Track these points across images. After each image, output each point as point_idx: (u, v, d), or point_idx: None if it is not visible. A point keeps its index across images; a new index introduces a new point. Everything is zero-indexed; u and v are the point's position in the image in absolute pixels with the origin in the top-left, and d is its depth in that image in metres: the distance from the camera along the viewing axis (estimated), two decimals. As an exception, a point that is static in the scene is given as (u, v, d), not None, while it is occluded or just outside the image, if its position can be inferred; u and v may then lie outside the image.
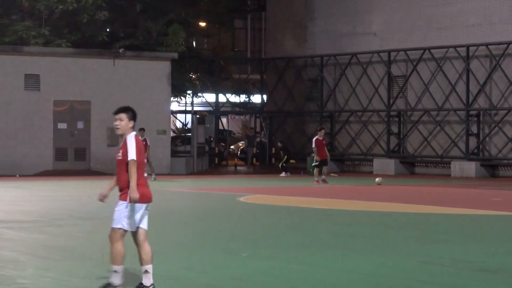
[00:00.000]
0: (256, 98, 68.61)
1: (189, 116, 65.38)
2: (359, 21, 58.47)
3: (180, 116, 68.39)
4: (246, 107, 69.43)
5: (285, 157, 51.92)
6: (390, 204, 31.58)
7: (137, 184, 12.25)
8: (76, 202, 31.41)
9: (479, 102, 52.35)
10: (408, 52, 55.11)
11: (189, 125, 65.79)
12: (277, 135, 62.45)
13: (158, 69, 54.45)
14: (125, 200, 12.36)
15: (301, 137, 59.56)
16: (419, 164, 56.34)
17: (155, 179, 43.18)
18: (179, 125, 71.26)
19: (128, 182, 12.32)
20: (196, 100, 67.05)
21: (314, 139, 42.67)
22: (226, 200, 32.83)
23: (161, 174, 50.98)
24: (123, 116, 13.03)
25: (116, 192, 12.94)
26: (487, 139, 52.57)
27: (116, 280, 12.21)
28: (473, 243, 20.23)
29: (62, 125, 52.10)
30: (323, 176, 42.00)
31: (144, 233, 12.56)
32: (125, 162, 12.50)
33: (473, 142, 52.55)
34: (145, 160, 43.36)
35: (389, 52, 56.08)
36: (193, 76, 63.25)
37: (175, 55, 55.08)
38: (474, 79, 52.04)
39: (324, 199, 33.04)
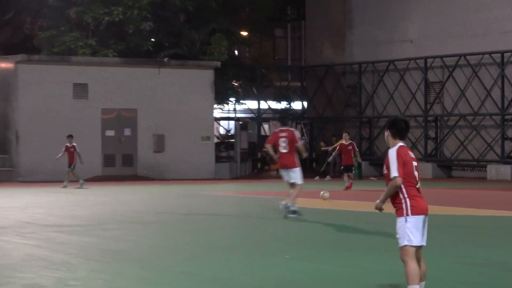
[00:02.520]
0: (297, 105, 68.53)
1: (232, 122, 65.53)
2: (395, 29, 58.42)
3: (223, 123, 68.54)
4: (286, 113, 69.42)
5: (326, 162, 51.85)
6: (428, 206, 31.48)
7: (409, 196, 11.69)
8: (124, 206, 31.54)
9: (514, 107, 52.18)
10: (444, 58, 54.94)
11: (232, 131, 65.86)
12: (317, 140, 62.40)
13: (202, 77, 54.57)
14: (401, 215, 11.70)
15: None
16: (455, 167, 56.17)
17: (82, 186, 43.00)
18: (222, 131, 71.36)
19: (398, 196, 11.76)
20: (238, 107, 67.08)
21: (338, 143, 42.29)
22: (268, 203, 32.81)
23: (206, 179, 51.16)
24: (386, 132, 12.23)
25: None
26: (523, 143, 52.39)
27: None
28: (509, 244, 20.18)
29: (110, 132, 52.33)
30: (346, 184, 40.82)
31: (419, 249, 11.98)
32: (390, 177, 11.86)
33: (508, 146, 52.24)
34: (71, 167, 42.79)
35: (425, 58, 55.91)
36: (236, 84, 63.31)
37: (218, 63, 55.20)
38: (509, 85, 51.80)
39: (360, 202, 33.02)
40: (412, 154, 11.95)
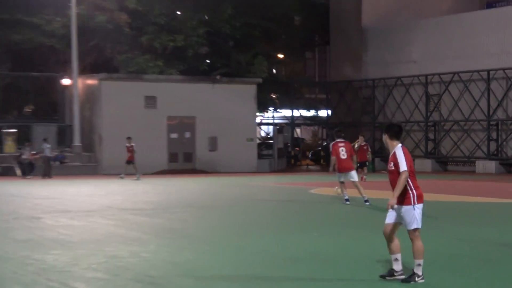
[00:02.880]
0: (322, 113, 68.50)
1: (270, 127, 65.57)
2: (402, 52, 58.28)
3: (264, 127, 68.52)
4: (314, 119, 69.32)
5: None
6: (428, 194, 31.35)
7: (415, 187, 11.58)
8: (185, 194, 31.60)
9: (498, 114, 51.83)
10: (441, 75, 54.68)
11: (270, 134, 65.86)
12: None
13: (247, 91, 54.66)
14: (410, 204, 11.46)
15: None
16: (450, 163, 55.89)
17: (139, 179, 42.35)
18: (263, 134, 71.36)
19: (407, 188, 11.53)
20: (276, 114, 67.09)
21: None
22: (300, 192, 32.81)
23: (250, 172, 51.19)
24: (384, 136, 12.16)
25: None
26: (504, 143, 52.00)
27: (419, 271, 11.49)
28: (494, 224, 20.04)
29: (174, 135, 52.51)
30: (363, 176, 40.65)
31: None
32: (397, 172, 11.66)
33: (493, 145, 52.04)
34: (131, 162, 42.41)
35: (426, 76, 55.75)
36: (273, 96, 63.31)
37: (260, 80, 55.27)
38: (494, 97, 51.57)
39: (375, 191, 32.90)
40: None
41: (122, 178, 42.56)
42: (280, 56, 65.47)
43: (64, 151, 50.67)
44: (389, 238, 11.67)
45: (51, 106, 57.20)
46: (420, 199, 11.58)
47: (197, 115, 52.81)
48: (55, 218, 20.98)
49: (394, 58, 58.66)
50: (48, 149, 45.35)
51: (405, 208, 11.47)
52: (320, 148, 66.06)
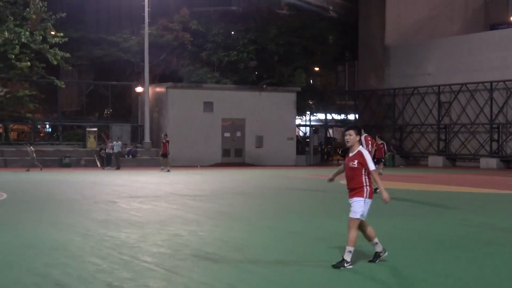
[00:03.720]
0: (351, 116, 68.27)
1: (307, 128, 65.45)
2: (418, 66, 57.94)
3: (302, 128, 68.36)
4: (344, 122, 69.10)
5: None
6: (440, 186, 31.18)
7: (370, 184, 10.87)
8: (235, 183, 31.70)
9: (499, 119, 51.32)
10: (451, 86, 54.36)
11: (307, 134, 65.76)
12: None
13: (288, 98, 54.64)
14: (361, 196, 10.78)
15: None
16: (458, 159, 55.44)
17: (169, 171, 41.91)
18: (301, 134, 71.21)
19: (361, 183, 10.79)
20: (312, 117, 66.97)
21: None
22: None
23: (289, 166, 51.18)
24: (351, 132, 11.10)
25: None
26: (504, 143, 51.50)
27: (348, 257, 10.65)
28: (495, 212, 19.87)
29: (227, 134, 52.67)
30: (380, 170, 39.63)
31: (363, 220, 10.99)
32: (360, 169, 10.81)
33: (495, 145, 51.64)
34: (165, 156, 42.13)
35: (438, 86, 55.44)
36: (310, 102, 63.20)
37: (299, 89, 55.27)
38: (496, 104, 51.17)
39: (397, 182, 32.75)
40: None
41: (168, 171, 41.85)
42: (316, 69, 65.33)
43: (136, 147, 51.13)
44: (361, 229, 11.07)
45: (126, 109, 57.67)
46: (371, 195, 10.93)
47: (246, 117, 52.95)
48: (128, 202, 21.18)
49: (412, 71, 58.37)
50: (117, 146, 45.55)
51: (357, 199, 10.81)
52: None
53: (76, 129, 54.98)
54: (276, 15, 61.74)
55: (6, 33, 47.87)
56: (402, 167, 53.35)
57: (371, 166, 10.84)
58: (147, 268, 10.59)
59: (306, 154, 57.58)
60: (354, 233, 10.71)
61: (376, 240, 11.24)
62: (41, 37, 49.79)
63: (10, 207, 19.71)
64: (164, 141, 43.88)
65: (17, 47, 48.30)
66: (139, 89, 54.05)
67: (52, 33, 50.69)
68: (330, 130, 68.96)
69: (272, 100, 53.69)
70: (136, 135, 53.15)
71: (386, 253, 11.32)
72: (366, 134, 25.36)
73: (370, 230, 11.17)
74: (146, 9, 50.75)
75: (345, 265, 10.60)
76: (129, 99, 58.15)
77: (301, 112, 61.36)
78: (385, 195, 10.92)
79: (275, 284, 9.62)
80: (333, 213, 19.03)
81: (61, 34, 50.36)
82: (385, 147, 38.05)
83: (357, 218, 10.77)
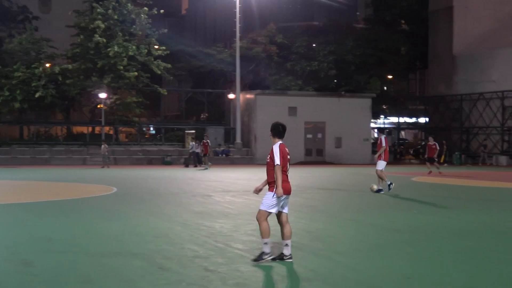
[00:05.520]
0: (422, 120, 67.29)
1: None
2: (484, 73, 56.81)
3: (377, 130, 67.71)
4: (415, 125, 68.10)
5: (446, 153, 50.88)
6: (505, 183, 30.22)
7: (283, 180, 9.89)
8: (316, 179, 31.53)
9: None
10: (515, 91, 53.24)
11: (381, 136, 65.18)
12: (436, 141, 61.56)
13: (364, 103, 54.15)
14: (272, 191, 9.92)
15: (449, 143, 57.98)
16: (521, 159, 54.33)
17: (207, 168, 41.27)
18: (376, 136, 70.58)
19: (274, 178, 9.97)
20: (386, 121, 66.24)
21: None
22: (403, 179, 32.21)
23: (365, 164, 50.62)
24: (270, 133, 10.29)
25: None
26: None
27: (266, 249, 9.92)
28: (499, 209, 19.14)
29: (309, 136, 52.59)
30: (435, 169, 37.41)
31: (286, 216, 10.10)
32: (272, 165, 10.01)
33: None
34: (206, 155, 41.64)
35: (502, 92, 54.36)
36: (384, 107, 62.53)
37: (374, 95, 54.78)
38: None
39: (465, 179, 31.99)
40: (287, 150, 10.20)
41: (207, 168, 41.32)
42: (390, 77, 64.61)
43: (229, 147, 51.48)
44: (280, 225, 10.16)
45: (220, 113, 58.15)
46: (284, 191, 9.91)
47: (326, 120, 52.72)
48: (222, 196, 21.24)
49: (478, 78, 57.17)
50: (194, 147, 45.14)
51: (268, 192, 9.98)
52: (419, 147, 64.93)
53: (176, 131, 55.75)
54: (353, 28, 61.41)
55: (116, 47, 48.94)
56: (468, 165, 52.23)
57: (276, 160, 9.97)
58: (239, 255, 10.55)
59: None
60: (263, 225, 9.93)
61: (288, 242, 10.07)
62: (146, 50, 50.76)
63: (119, 200, 20.02)
64: (204, 141, 43.12)
65: (125, 59, 49.33)
66: (231, 95, 54.42)
67: (156, 47, 51.60)
68: (402, 132, 68.14)
69: (349, 105, 53.28)
70: (228, 137, 53.56)
71: (291, 260, 10.05)
72: (385, 135, 24.22)
73: (287, 229, 10.10)
74: (238, 25, 51.08)
75: (264, 257, 9.90)
76: (222, 105, 58.65)
77: (375, 116, 60.81)
78: (279, 191, 9.94)
79: (353, 270, 9.44)
80: (407, 206, 18.65)
81: (164, 47, 51.21)
82: (437, 147, 37.03)
83: (264, 210, 9.94)
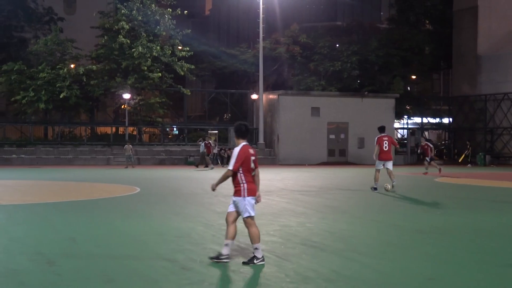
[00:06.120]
0: (445, 120, 66.90)
1: (405, 130, 64.52)
2: (508, 73, 56.43)
3: (400, 131, 67.41)
4: (439, 125, 67.72)
5: (469, 152, 50.53)
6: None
7: (247, 182, 9.74)
8: (339, 179, 31.46)
9: None
10: (540, 92, 52.65)
11: (405, 136, 64.79)
12: (458, 142, 61.25)
13: (387, 104, 53.94)
14: (239, 196, 9.79)
15: (473, 144, 57.56)
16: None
17: (212, 168, 41.22)
18: (399, 136, 70.20)
19: (238, 182, 9.80)
20: (409, 121, 65.92)
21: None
22: (426, 180, 32.05)
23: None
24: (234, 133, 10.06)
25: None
26: None
27: (258, 254, 9.75)
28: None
29: (332, 136, 52.47)
30: (429, 168, 36.95)
31: (235, 217, 9.93)
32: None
33: None
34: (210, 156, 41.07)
35: (528, 92, 53.77)
36: (408, 107, 62.21)
37: (397, 95, 54.54)
38: None
39: (486, 180, 31.72)
40: (252, 151, 9.92)
41: (212, 168, 41.23)
42: (413, 77, 64.28)
43: (252, 147, 51.52)
44: (228, 223, 9.91)
45: (243, 114, 58.20)
46: (250, 192, 9.78)
47: (349, 121, 52.58)
48: (244, 196, 21.24)
49: (502, 78, 56.73)
50: (202, 147, 44.83)
51: (237, 199, 9.82)
52: (443, 147, 64.56)
53: (200, 132, 55.89)
54: (377, 28, 61.21)
55: (140, 48, 49.20)
56: (493, 166, 51.78)
57: (230, 164, 9.85)
58: (261, 255, 10.55)
59: (404, 154, 56.77)
60: (252, 230, 9.82)
61: (229, 242, 9.87)
62: (170, 51, 50.96)
63: (142, 200, 20.13)
64: (206, 142, 42.86)
65: (149, 60, 49.57)
66: (254, 96, 54.46)
67: (179, 47, 51.80)
68: (426, 133, 67.76)
69: (372, 106, 53.09)
70: (251, 137, 53.57)
71: (228, 260, 9.90)
72: (384, 134, 24.40)
73: (232, 229, 9.87)
74: (261, 25, 51.10)
75: (255, 261, 9.72)
76: (245, 105, 58.71)
77: (399, 116, 60.52)
78: (213, 186, 10.13)
79: (375, 271, 9.41)
80: (430, 207, 18.54)
81: (187, 48, 51.40)
82: (430, 147, 36.70)
83: (247, 217, 9.80)
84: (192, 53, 51.60)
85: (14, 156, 46.76)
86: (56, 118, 54.79)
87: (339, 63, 55.08)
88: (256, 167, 10.04)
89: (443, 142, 67.63)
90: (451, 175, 35.73)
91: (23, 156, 46.85)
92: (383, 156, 23.96)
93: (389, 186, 23.44)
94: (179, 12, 51.74)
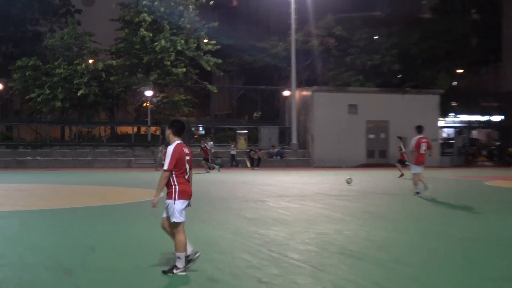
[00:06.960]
0: (495, 118, 66.25)
1: (451, 130, 64.13)
2: None
3: (445, 130, 66.93)
4: (489, 123, 67.15)
5: None
6: None
7: (179, 183, 9.67)
8: (380, 183, 31.27)
9: None
10: None
11: (451, 136, 64.34)
12: (510, 141, 60.62)
13: (431, 100, 53.65)
14: (171, 198, 9.74)
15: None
16: None
17: (219, 170, 41.26)
18: (445, 135, 69.73)
19: (170, 183, 9.75)
20: (455, 119, 65.46)
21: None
22: (476, 183, 31.76)
23: (433, 166, 49.99)
24: (167, 128, 9.96)
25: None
26: None
27: (179, 264, 9.69)
28: None
29: (371, 136, 52.30)
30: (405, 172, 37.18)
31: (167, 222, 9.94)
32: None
33: None
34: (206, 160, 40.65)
35: None
36: (454, 104, 61.75)
37: (442, 91, 54.22)
38: None
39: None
40: (187, 150, 9.80)
41: (208, 172, 40.67)
42: (460, 71, 63.75)
43: (284, 148, 51.46)
44: (167, 232, 9.92)
45: (274, 112, 58.21)
46: (182, 195, 9.70)
47: (390, 119, 52.34)
48: (276, 201, 21.24)
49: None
50: (210, 146, 44.24)
51: (167, 202, 9.73)
52: (493, 148, 63.96)
53: (228, 131, 55.96)
54: (418, 19, 60.76)
55: (162, 41, 49.38)
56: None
57: (165, 164, 9.65)
58: (295, 265, 10.52)
59: (450, 155, 56.42)
60: (177, 238, 9.71)
61: (178, 255, 9.78)
62: (195, 44, 51.09)
63: (167, 205, 20.18)
64: (202, 145, 42.12)
65: (173, 54, 49.70)
66: (286, 92, 54.45)
67: (205, 41, 51.90)
68: (474, 132, 67.25)
69: (415, 102, 52.78)
70: (283, 137, 53.54)
71: (180, 270, 9.75)
72: (422, 136, 24.08)
73: (181, 238, 9.80)
74: (293, 16, 51.05)
75: (174, 271, 9.65)
76: (277, 103, 58.69)
77: (444, 114, 60.07)
78: (155, 200, 9.94)
79: (421, 283, 9.33)
80: (477, 213, 18.36)
81: (214, 41, 51.47)
82: (403, 150, 36.39)
83: (174, 222, 9.72)
84: (219, 46, 51.68)
85: (29, 158, 47.24)
86: (73, 118, 55.26)
87: (378, 57, 54.82)
88: (190, 168, 9.90)
89: (493, 141, 67.03)
90: (504, 178, 35.32)
91: (38, 158, 47.30)
92: (421, 159, 23.55)
93: (351, 179, 23.50)
94: (204, 1, 51.79)
